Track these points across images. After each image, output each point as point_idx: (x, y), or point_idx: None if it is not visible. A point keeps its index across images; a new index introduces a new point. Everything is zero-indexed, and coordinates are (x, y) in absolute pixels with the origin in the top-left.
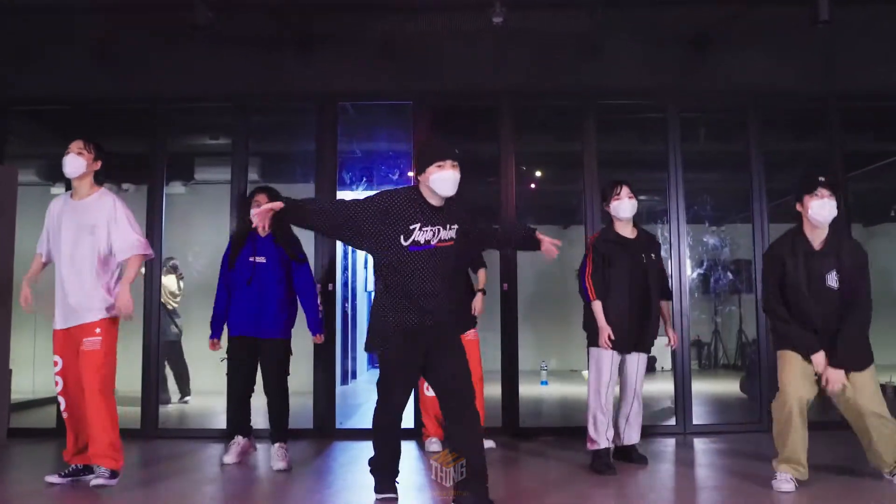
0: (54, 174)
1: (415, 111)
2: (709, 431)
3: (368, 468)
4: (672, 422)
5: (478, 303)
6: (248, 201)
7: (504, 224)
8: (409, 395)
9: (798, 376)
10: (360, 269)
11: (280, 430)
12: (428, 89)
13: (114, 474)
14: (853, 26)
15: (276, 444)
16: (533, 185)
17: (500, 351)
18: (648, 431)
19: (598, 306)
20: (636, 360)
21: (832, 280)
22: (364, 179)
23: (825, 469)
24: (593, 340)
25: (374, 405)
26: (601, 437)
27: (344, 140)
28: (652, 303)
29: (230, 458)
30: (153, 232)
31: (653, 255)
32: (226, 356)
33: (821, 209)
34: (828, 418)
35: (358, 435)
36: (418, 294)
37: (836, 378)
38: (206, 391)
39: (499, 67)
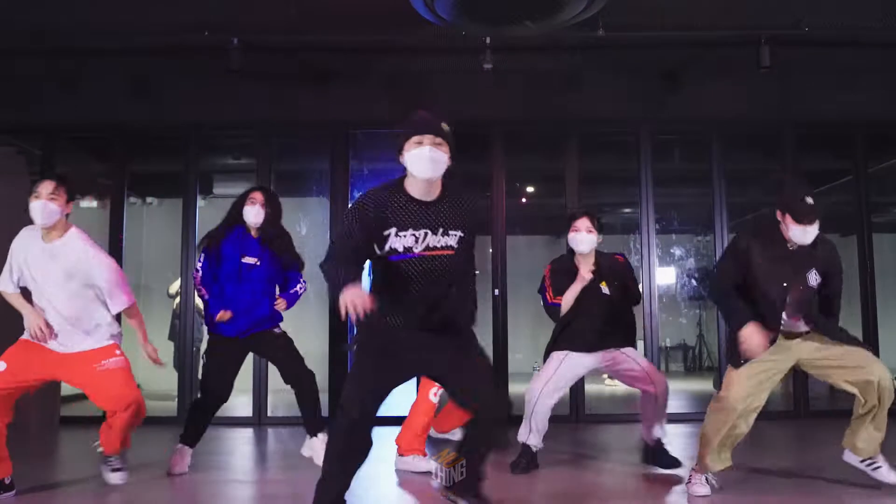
0: (84, 189)
1: None
2: (676, 420)
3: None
4: None
5: None
6: (241, 198)
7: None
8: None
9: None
10: (364, 275)
11: (318, 417)
12: None
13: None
14: (801, 63)
15: (319, 436)
16: (524, 200)
17: (492, 355)
18: (622, 419)
19: (567, 293)
20: (625, 356)
21: (813, 279)
22: None
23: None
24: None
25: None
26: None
27: (353, 160)
28: (614, 320)
29: (182, 468)
30: (186, 242)
31: (615, 283)
32: (204, 356)
33: (803, 235)
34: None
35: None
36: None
37: (756, 342)
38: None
39: (491, 100)
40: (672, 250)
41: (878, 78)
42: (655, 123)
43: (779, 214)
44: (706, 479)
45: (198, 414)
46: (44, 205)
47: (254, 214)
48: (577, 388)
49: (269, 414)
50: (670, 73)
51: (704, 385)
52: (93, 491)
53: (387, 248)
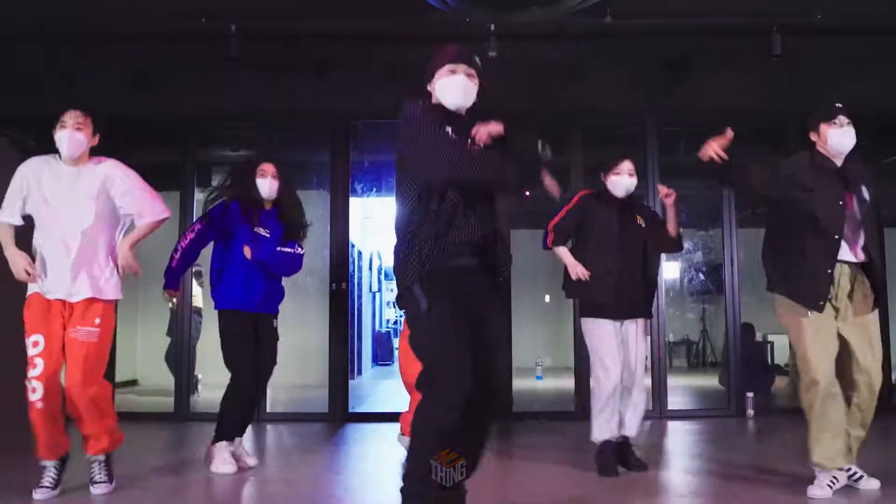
0: None
1: None
2: (682, 416)
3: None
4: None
5: None
6: (250, 168)
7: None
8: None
9: (821, 342)
10: (364, 270)
11: (228, 429)
12: None
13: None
14: (810, 52)
15: (218, 444)
16: (527, 193)
17: None
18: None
19: (561, 251)
20: (633, 330)
21: (866, 194)
22: (374, 189)
23: None
24: (584, 307)
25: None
26: (601, 427)
27: (354, 152)
28: (648, 264)
29: (230, 467)
30: None
31: (649, 218)
32: (224, 331)
33: (841, 137)
34: None
35: (367, 418)
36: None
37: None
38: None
39: (493, 91)
40: None
41: (888, 67)
42: (661, 114)
43: (812, 135)
44: (830, 480)
45: (234, 404)
46: (70, 134)
47: (267, 187)
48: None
49: (268, 410)
50: (676, 63)
51: (708, 381)
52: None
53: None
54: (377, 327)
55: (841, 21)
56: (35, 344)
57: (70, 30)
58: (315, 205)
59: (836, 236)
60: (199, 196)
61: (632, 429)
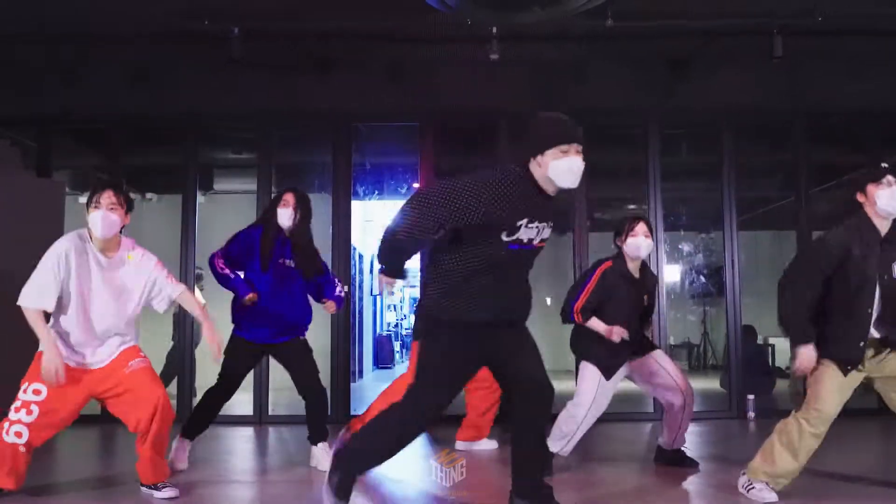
0: (82, 184)
1: (421, 130)
2: None
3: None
4: (650, 409)
5: None
6: (274, 201)
7: None
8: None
9: (836, 393)
10: (365, 273)
11: (322, 428)
12: (432, 110)
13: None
14: (813, 51)
15: (321, 444)
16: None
17: None
18: (630, 417)
19: (594, 321)
20: (654, 361)
21: None
22: (376, 192)
23: None
24: (584, 352)
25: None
26: (558, 441)
27: (356, 154)
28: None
29: (184, 463)
30: (186, 238)
31: (652, 294)
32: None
33: (891, 199)
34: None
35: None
36: (496, 292)
37: (807, 361)
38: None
39: (496, 91)
40: (680, 246)
41: (889, 68)
42: (663, 115)
43: (860, 196)
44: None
45: (209, 402)
46: (104, 215)
47: (287, 217)
48: None
49: (270, 412)
50: (678, 63)
51: (709, 384)
52: (93, 490)
53: (515, 237)
54: (378, 330)
55: (842, 22)
56: (36, 392)
57: (68, 28)
58: (317, 207)
59: (869, 310)
60: (200, 199)
61: (683, 438)
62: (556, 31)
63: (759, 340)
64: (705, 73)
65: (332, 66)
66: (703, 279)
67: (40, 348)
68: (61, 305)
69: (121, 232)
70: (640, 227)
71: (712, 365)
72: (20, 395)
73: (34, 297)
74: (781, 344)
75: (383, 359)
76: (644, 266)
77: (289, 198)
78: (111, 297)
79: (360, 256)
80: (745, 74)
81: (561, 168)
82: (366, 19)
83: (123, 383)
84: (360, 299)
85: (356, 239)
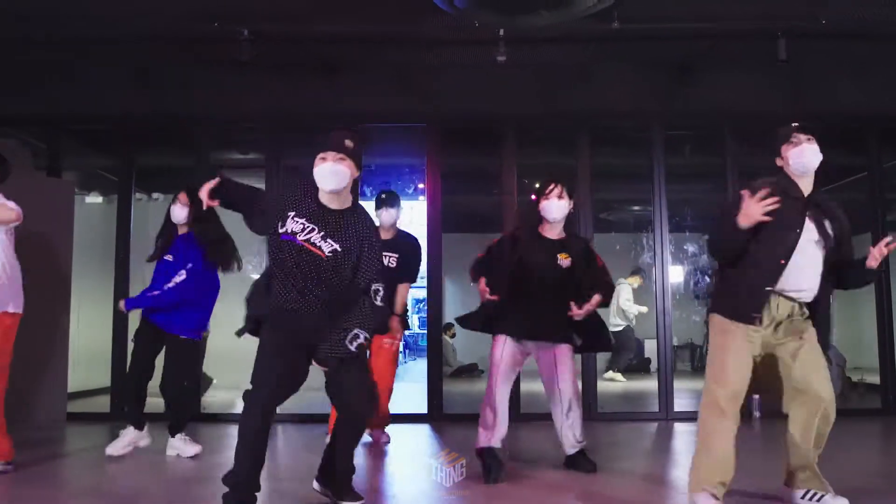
0: (89, 184)
1: (427, 132)
2: (688, 419)
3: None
4: (655, 409)
5: (393, 324)
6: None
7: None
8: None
9: (740, 360)
10: None
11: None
12: (438, 112)
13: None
14: (816, 56)
15: (178, 435)
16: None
17: None
18: (636, 417)
19: (481, 282)
20: (550, 354)
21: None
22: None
23: None
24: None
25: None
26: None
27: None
28: (561, 300)
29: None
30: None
31: (574, 258)
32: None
33: (800, 154)
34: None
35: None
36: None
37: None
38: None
39: (502, 94)
40: (685, 247)
41: (894, 71)
42: (668, 117)
43: (778, 161)
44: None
45: (129, 384)
46: (180, 209)
47: (178, 211)
48: (589, 384)
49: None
50: (683, 66)
51: None
52: (96, 485)
53: (286, 228)
54: None
55: (846, 25)
56: None
57: (76, 29)
58: None
59: (783, 261)
60: None
61: (575, 437)
62: (563, 34)
63: None
64: (710, 76)
65: (340, 68)
66: (707, 280)
67: None
68: None
69: None
70: (555, 190)
71: None
72: None
73: None
74: None
75: None
76: (571, 234)
77: (182, 197)
78: None
79: None
80: (750, 77)
81: (316, 171)
82: (373, 22)
83: None
84: None
85: None
